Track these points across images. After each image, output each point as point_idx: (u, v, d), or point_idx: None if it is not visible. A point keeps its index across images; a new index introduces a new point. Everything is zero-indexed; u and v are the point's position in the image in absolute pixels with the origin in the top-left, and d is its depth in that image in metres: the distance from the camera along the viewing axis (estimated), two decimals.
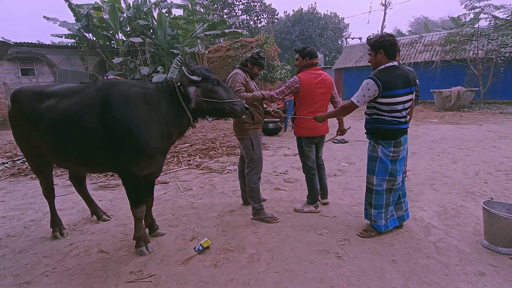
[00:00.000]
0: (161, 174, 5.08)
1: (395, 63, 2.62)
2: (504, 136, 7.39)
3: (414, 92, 2.71)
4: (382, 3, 24.73)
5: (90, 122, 2.42)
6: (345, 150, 6.61)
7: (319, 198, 3.63)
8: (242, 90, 3.10)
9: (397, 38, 2.71)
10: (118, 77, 11.42)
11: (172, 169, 5.38)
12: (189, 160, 6.00)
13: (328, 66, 27.02)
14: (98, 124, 2.41)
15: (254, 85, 3.36)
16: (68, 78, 11.33)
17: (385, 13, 24.77)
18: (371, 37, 2.66)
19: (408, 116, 2.70)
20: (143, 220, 2.79)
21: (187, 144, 7.39)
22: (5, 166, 5.90)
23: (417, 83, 3.15)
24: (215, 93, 2.57)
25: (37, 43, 16.45)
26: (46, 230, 3.17)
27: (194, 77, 2.51)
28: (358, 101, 2.63)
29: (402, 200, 2.87)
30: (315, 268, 2.38)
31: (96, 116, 2.42)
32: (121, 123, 2.37)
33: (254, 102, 3.19)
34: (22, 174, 5.41)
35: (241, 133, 3.23)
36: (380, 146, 2.68)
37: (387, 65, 2.59)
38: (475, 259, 2.44)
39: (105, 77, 11.61)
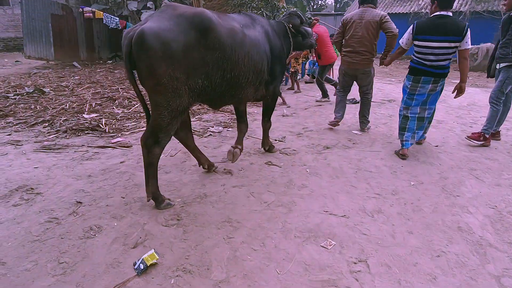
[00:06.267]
0: (126, 133, 4.07)
1: (444, 12, 2.94)
2: None
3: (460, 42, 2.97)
4: None
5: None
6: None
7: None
8: None
9: None
10: (96, 11, 9.64)
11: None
12: None
13: (340, 12, 24.55)
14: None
15: None
16: (36, 9, 9.46)
17: None
18: None
19: (440, 62, 3.06)
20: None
21: None
22: None
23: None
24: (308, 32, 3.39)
25: None
26: None
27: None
28: (402, 42, 3.28)
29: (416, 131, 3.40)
30: None
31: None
32: (277, 49, 2.94)
33: None
34: None
35: (370, 65, 4.02)
36: (405, 78, 3.35)
37: (435, 13, 3.00)
38: None
39: (80, 9, 9.87)
